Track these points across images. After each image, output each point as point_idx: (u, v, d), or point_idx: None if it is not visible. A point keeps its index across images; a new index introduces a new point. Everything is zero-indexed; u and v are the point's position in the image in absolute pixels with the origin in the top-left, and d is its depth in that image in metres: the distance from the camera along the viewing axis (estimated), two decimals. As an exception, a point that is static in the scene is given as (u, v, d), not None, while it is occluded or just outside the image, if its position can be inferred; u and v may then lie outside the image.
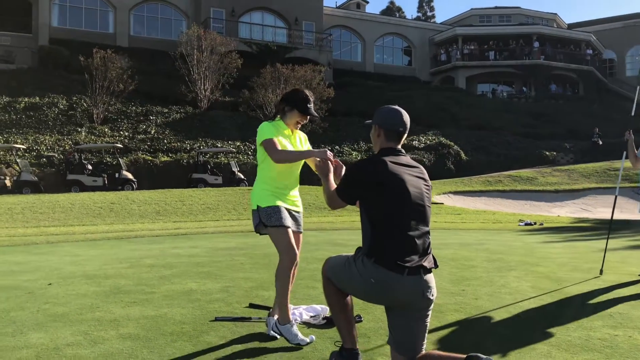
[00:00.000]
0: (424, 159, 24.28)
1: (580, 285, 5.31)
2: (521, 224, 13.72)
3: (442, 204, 18.79)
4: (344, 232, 11.39)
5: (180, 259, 7.31)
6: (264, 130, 3.57)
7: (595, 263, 6.75)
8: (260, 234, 3.64)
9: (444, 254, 7.56)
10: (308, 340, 3.43)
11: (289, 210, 3.61)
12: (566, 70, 39.56)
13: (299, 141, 3.78)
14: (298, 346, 3.39)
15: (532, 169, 24.61)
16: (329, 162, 3.29)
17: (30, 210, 15.60)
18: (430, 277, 2.66)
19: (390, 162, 2.73)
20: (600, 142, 26.54)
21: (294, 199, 3.69)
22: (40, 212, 15.50)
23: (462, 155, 25.74)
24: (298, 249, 3.61)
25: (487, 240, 9.59)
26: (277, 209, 3.52)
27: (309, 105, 3.62)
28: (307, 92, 3.72)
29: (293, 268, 3.50)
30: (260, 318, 4.04)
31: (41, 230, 12.56)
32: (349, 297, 2.94)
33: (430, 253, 2.71)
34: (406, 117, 2.89)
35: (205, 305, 4.47)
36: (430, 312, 2.71)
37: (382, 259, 2.59)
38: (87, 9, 32.58)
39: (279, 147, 3.50)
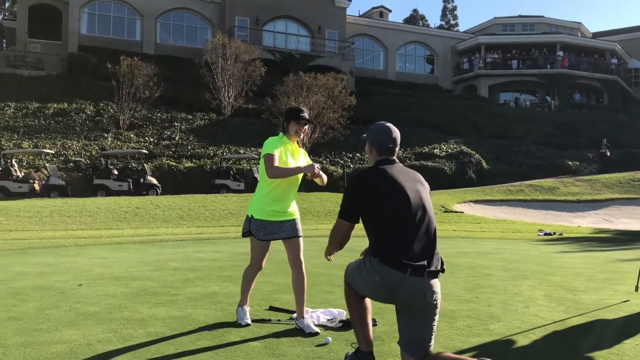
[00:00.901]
0: (445, 167, 24.27)
1: (594, 295, 5.35)
2: (540, 233, 13.69)
3: (462, 212, 18.78)
4: (362, 239, 11.41)
5: (203, 262, 7.49)
6: (269, 144, 3.93)
7: (611, 273, 6.70)
8: (243, 237, 4.10)
9: (460, 262, 7.60)
10: (249, 322, 4.03)
11: (283, 222, 3.94)
12: (590, 80, 39.12)
13: (302, 157, 4.13)
14: (247, 326, 3.99)
15: (554, 179, 24.42)
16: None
17: (58, 214, 16.07)
18: (435, 282, 2.79)
19: (386, 170, 2.92)
20: (609, 154, 26.05)
21: (290, 209, 3.99)
22: (68, 216, 15.95)
23: (484, 164, 25.66)
24: (300, 253, 4.00)
25: (504, 249, 9.61)
26: (267, 225, 3.91)
27: (301, 114, 4.00)
28: (299, 105, 4.14)
29: (298, 275, 3.98)
30: (279, 320, 4.24)
31: (69, 234, 12.96)
32: (368, 302, 3.06)
33: (436, 256, 2.83)
34: (395, 133, 3.09)
35: (227, 307, 4.64)
36: (436, 317, 2.84)
37: (387, 258, 2.74)
38: (115, 17, 33.35)
39: (276, 164, 3.82)
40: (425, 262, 2.75)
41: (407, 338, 2.83)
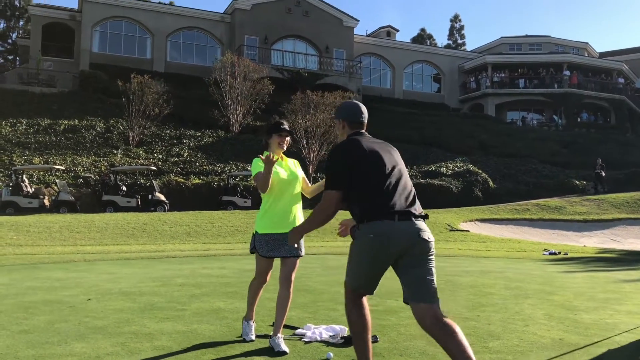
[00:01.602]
0: (452, 186, 24.33)
1: (594, 314, 5.40)
2: (545, 253, 13.72)
3: (468, 231, 18.81)
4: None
5: (209, 279, 7.61)
6: (254, 166, 4.06)
7: (612, 293, 6.78)
8: (251, 253, 4.20)
9: (463, 280, 7.67)
10: (253, 338, 4.12)
11: (285, 237, 3.92)
12: (597, 99, 39.24)
13: (293, 165, 4.22)
14: (251, 342, 4.09)
15: (561, 198, 24.38)
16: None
17: (68, 229, 16.23)
18: (422, 223, 2.99)
19: (359, 139, 3.16)
20: (603, 174, 25.80)
21: (293, 220, 4.04)
22: (77, 231, 16.11)
23: (490, 182, 25.70)
24: (293, 272, 4.06)
25: (508, 269, 9.64)
26: (270, 239, 4.00)
27: (281, 127, 4.10)
28: (278, 119, 4.29)
29: (284, 292, 4.03)
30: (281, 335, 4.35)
31: (78, 249, 13.12)
32: (368, 317, 3.16)
33: (418, 204, 3.07)
34: (364, 109, 3.34)
35: (232, 323, 4.75)
36: (433, 257, 3.00)
37: (374, 215, 2.94)
38: (127, 36, 34.00)
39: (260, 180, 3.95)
40: (408, 208, 2.97)
41: (413, 288, 2.94)
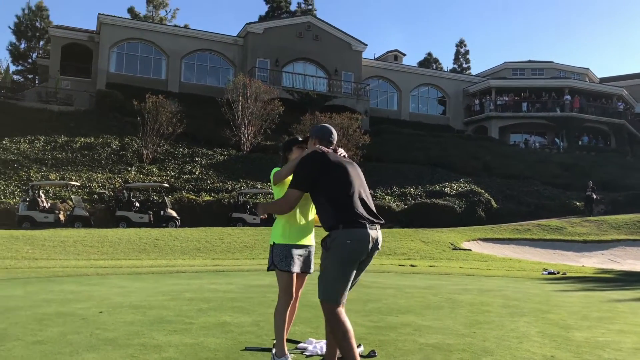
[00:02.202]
0: (455, 206, 24.88)
1: (586, 332, 5.51)
2: (544, 272, 13.89)
3: (470, 250, 19.29)
4: (371, 274, 11.75)
5: (216, 294, 7.72)
6: (275, 175, 4.10)
7: (605, 312, 6.93)
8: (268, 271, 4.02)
9: (462, 298, 7.83)
10: None
11: (300, 247, 3.94)
12: (598, 123, 39.92)
13: None
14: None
15: (562, 219, 24.85)
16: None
17: (82, 244, 16.54)
18: (380, 231, 3.56)
19: (328, 153, 3.65)
20: (594, 196, 26.12)
21: (308, 233, 4.02)
22: (91, 246, 16.42)
23: (493, 203, 26.23)
24: (301, 286, 4.07)
25: (506, 287, 9.77)
26: (289, 252, 3.86)
27: (300, 139, 4.22)
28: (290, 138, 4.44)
29: (290, 306, 3.96)
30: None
31: (91, 263, 13.31)
32: (348, 322, 3.42)
33: (375, 212, 3.59)
34: (333, 130, 3.90)
35: (237, 337, 4.86)
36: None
37: (348, 223, 3.40)
38: (142, 57, 35.04)
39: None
40: (373, 217, 3.50)
41: (345, 289, 3.48)
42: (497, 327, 5.69)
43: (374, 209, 3.60)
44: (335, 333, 3.41)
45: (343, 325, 3.38)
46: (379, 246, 3.55)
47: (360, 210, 3.47)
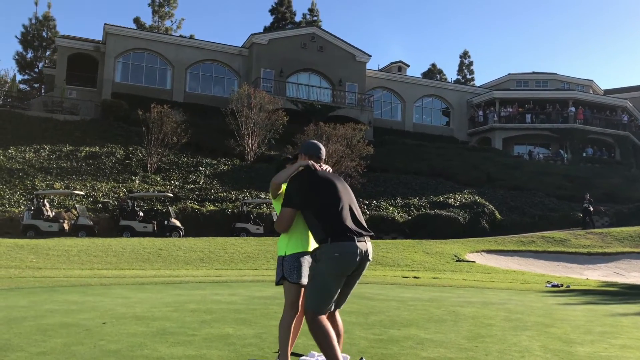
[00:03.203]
0: (459, 217, 24.83)
1: (589, 347, 5.51)
2: (548, 285, 13.84)
3: (474, 262, 19.21)
4: (374, 285, 11.77)
5: (219, 305, 7.73)
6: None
7: (609, 327, 6.91)
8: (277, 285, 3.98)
9: (465, 311, 7.82)
10: None
11: (308, 253, 3.93)
12: (602, 135, 39.91)
13: None
14: None
15: (566, 231, 24.75)
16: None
17: (85, 253, 16.57)
18: (370, 243, 3.63)
19: (317, 171, 3.77)
20: (592, 209, 25.92)
21: (311, 242, 4.05)
22: (95, 255, 16.44)
23: (497, 214, 26.17)
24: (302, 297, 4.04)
25: (510, 300, 9.74)
26: (299, 262, 3.84)
27: (290, 157, 4.26)
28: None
29: (296, 319, 3.97)
30: None
31: (95, 273, 13.32)
32: (331, 329, 3.51)
33: (364, 223, 3.68)
34: (322, 147, 4.01)
35: (240, 349, 4.88)
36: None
37: (337, 237, 3.49)
38: (148, 67, 35.32)
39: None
40: (362, 229, 3.59)
41: (339, 299, 3.61)
42: (499, 341, 5.68)
43: (363, 221, 3.69)
44: (316, 338, 3.49)
45: (324, 329, 3.47)
46: (370, 257, 3.62)
47: (349, 223, 3.55)
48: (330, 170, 3.92)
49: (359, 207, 3.96)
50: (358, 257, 3.51)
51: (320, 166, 3.87)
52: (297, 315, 3.93)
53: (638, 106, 43.24)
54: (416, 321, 6.80)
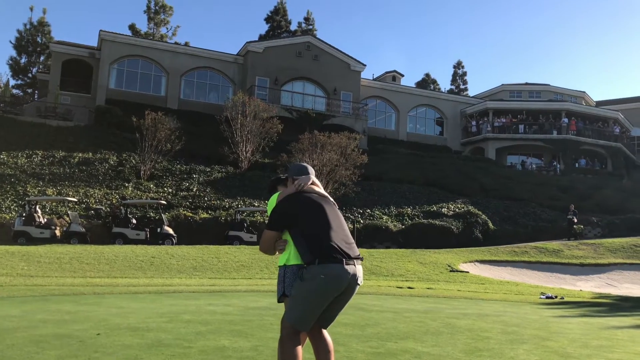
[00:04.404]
0: (452, 227, 24.90)
1: None
2: (542, 297, 13.83)
3: (468, 272, 19.23)
4: (369, 296, 11.76)
5: (214, 316, 7.68)
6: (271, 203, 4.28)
7: (605, 340, 6.90)
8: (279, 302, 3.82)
9: (461, 323, 7.81)
10: None
11: None
12: (594, 146, 40.18)
13: None
14: None
15: (559, 242, 24.87)
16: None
17: (78, 261, 16.43)
18: (360, 266, 3.60)
19: (304, 193, 3.75)
20: (576, 220, 26.01)
21: None
22: (87, 263, 16.31)
23: (490, 224, 26.27)
24: None
25: (505, 312, 9.75)
26: (295, 272, 3.73)
27: (282, 177, 4.23)
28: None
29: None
30: None
31: (87, 281, 13.21)
32: (300, 353, 3.50)
33: (355, 246, 3.65)
34: (311, 170, 3.96)
35: None
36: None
37: (324, 258, 3.46)
38: (142, 74, 35.23)
39: None
40: (350, 254, 3.56)
41: (325, 317, 3.59)
42: (496, 354, 5.64)
43: (354, 245, 3.68)
44: (283, 355, 3.46)
45: (293, 352, 3.44)
46: (359, 281, 3.58)
47: (337, 245, 3.51)
48: (321, 190, 3.88)
49: (354, 216, 3.92)
50: (345, 281, 3.46)
51: (311, 183, 3.84)
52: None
53: (629, 118, 43.62)
54: (412, 333, 6.78)
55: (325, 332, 3.68)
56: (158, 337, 5.90)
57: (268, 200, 4.04)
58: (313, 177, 3.91)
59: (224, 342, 5.71)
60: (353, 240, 3.71)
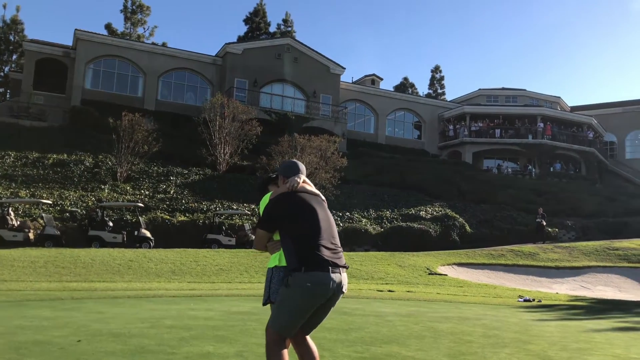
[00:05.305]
0: (430, 230, 25.08)
1: None
2: (520, 300, 13.99)
3: (446, 275, 19.40)
4: (351, 300, 11.75)
5: (197, 321, 7.62)
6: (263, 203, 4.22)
7: (583, 343, 7.04)
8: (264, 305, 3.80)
9: (443, 327, 7.86)
10: None
11: None
12: (569, 150, 40.91)
13: None
14: None
15: (534, 245, 25.24)
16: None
17: (53, 264, 16.12)
18: (345, 274, 3.58)
19: (297, 194, 3.70)
20: (544, 223, 26.36)
21: None
22: (62, 267, 16.01)
23: (467, 227, 26.50)
24: None
25: (485, 316, 9.85)
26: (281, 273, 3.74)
27: (273, 176, 4.19)
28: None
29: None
30: None
31: (64, 285, 12.99)
32: (286, 356, 3.48)
33: (342, 254, 3.63)
34: (302, 167, 3.89)
35: None
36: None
37: (311, 266, 3.42)
38: (119, 74, 34.74)
39: None
40: (337, 262, 3.53)
41: (309, 324, 3.57)
42: (480, 358, 5.71)
43: (341, 252, 3.65)
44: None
45: (280, 358, 3.44)
46: (344, 289, 3.56)
47: (325, 253, 3.48)
48: (312, 188, 3.82)
49: (334, 221, 3.83)
50: (330, 289, 3.45)
51: (303, 181, 3.79)
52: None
53: (603, 123, 44.58)
54: (396, 338, 6.79)
55: (309, 338, 3.66)
56: (141, 343, 5.80)
57: (260, 202, 3.97)
58: (303, 176, 3.84)
59: (208, 348, 5.65)
60: (340, 246, 3.67)
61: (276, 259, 3.71)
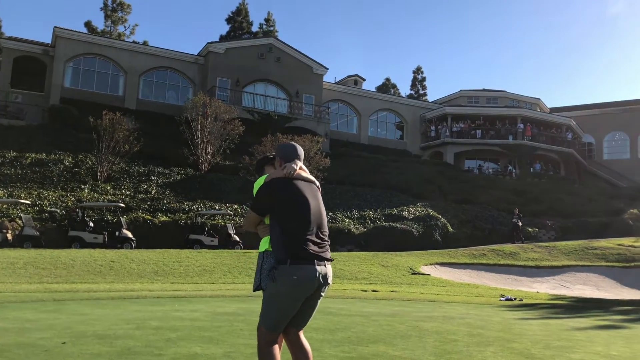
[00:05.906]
0: (413, 230, 25.23)
1: None
2: (502, 299, 14.11)
3: (429, 275, 19.52)
4: (336, 300, 11.76)
5: (183, 322, 7.57)
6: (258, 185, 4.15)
7: (565, 341, 7.13)
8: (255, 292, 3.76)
9: (428, 326, 7.91)
10: None
11: None
12: (548, 151, 41.49)
13: None
14: None
15: (515, 244, 25.57)
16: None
17: (32, 266, 15.87)
18: (330, 266, 3.57)
19: (291, 181, 3.62)
20: (520, 224, 26.58)
21: None
22: (43, 268, 15.78)
23: (449, 227, 26.73)
24: None
25: (468, 315, 9.92)
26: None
27: (270, 157, 4.11)
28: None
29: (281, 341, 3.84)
30: None
31: (45, 287, 12.78)
32: (278, 354, 3.49)
33: (328, 246, 3.61)
34: (300, 150, 3.81)
35: None
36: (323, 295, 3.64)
37: (297, 258, 3.41)
38: (100, 73, 34.29)
39: None
40: (322, 254, 3.51)
41: (298, 318, 3.56)
42: (465, 357, 5.76)
43: (327, 245, 3.62)
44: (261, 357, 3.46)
45: (273, 356, 3.45)
46: (329, 281, 3.56)
47: (312, 248, 3.46)
48: (308, 175, 3.76)
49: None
50: (316, 282, 3.44)
51: (300, 168, 3.72)
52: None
53: (581, 124, 45.31)
54: (382, 337, 6.81)
55: (303, 337, 3.65)
56: (127, 344, 5.73)
57: (255, 181, 3.86)
58: (300, 162, 3.76)
59: (196, 349, 5.61)
60: (328, 238, 3.64)
61: (266, 242, 3.66)
